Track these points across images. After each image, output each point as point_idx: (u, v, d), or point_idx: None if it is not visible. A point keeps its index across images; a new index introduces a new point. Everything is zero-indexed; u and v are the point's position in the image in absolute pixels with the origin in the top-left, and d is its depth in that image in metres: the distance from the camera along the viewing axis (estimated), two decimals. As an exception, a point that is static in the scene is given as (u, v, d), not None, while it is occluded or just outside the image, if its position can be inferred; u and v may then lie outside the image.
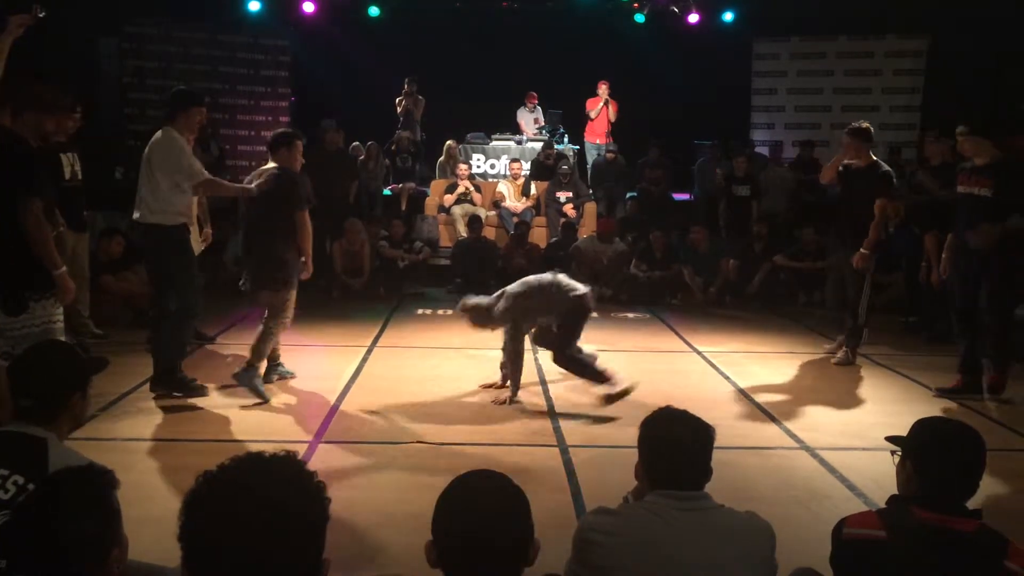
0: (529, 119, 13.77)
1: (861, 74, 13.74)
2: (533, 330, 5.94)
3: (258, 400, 5.53)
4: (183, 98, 5.65)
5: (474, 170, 12.79)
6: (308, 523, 1.42)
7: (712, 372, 6.68)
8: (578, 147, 13.61)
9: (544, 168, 12.17)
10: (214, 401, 5.56)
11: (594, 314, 6.12)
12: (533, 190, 11.76)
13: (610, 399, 5.58)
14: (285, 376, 6.16)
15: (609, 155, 12.64)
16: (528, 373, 6.48)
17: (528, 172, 12.21)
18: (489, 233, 11.15)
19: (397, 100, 13.42)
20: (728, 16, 14.14)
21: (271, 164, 5.87)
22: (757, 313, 9.18)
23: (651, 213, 11.60)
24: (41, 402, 2.57)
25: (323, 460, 4.50)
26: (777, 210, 11.40)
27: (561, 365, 5.76)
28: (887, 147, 11.62)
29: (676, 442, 2.32)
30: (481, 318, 5.78)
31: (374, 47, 13.98)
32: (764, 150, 13.48)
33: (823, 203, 12.06)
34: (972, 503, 2.28)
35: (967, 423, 2.42)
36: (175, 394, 5.56)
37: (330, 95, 13.73)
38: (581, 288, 5.72)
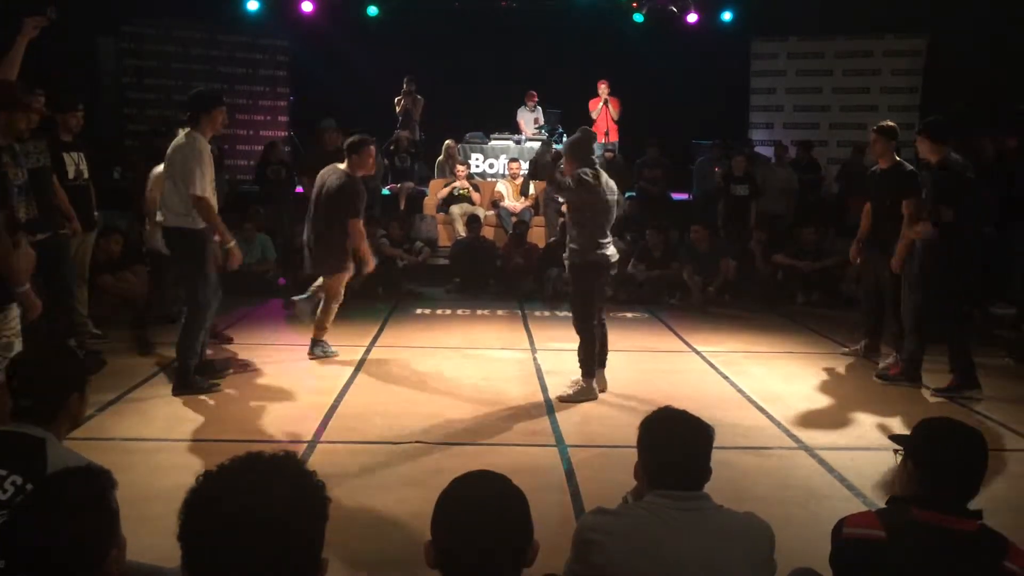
0: (529, 118, 13.78)
1: (859, 74, 13.76)
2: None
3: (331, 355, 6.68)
4: (204, 100, 5.67)
5: (473, 170, 12.80)
6: (307, 523, 1.41)
7: (711, 372, 6.68)
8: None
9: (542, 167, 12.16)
10: (213, 401, 5.55)
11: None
12: (532, 190, 11.77)
13: (563, 399, 5.69)
14: (328, 354, 6.75)
15: (607, 154, 12.62)
16: (527, 373, 6.49)
17: (527, 171, 12.21)
18: (488, 233, 11.16)
19: (396, 100, 13.42)
20: (727, 16, 14.17)
21: (343, 165, 6.37)
22: (756, 313, 9.18)
23: (650, 213, 11.60)
24: (40, 402, 2.57)
25: (322, 460, 4.50)
26: (776, 210, 11.40)
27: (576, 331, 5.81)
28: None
29: (675, 442, 2.32)
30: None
31: (373, 47, 13.99)
32: (763, 149, 13.48)
33: (821, 202, 12.14)
34: (972, 503, 2.28)
35: (969, 424, 2.42)
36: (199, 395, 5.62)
37: (329, 95, 13.71)
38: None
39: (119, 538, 1.92)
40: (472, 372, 6.46)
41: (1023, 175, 8.43)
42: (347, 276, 6.59)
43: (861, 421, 5.48)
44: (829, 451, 4.85)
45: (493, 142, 13.44)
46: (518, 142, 13.35)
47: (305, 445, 4.75)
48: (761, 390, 6.10)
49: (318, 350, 6.75)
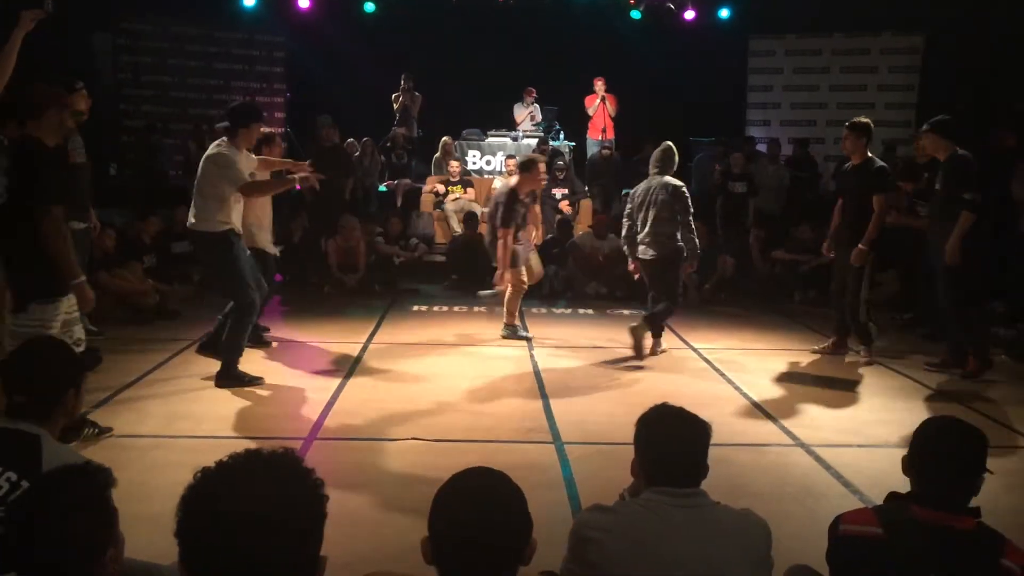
0: (525, 113, 13.74)
1: (857, 71, 13.76)
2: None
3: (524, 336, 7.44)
4: (246, 114, 5.85)
5: (470, 166, 12.79)
6: (305, 520, 1.41)
7: (708, 369, 6.68)
8: (574, 144, 13.60)
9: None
10: (210, 398, 5.54)
11: (590, 310, 6.18)
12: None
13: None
14: (521, 337, 7.46)
15: (605, 151, 12.63)
16: (523, 369, 6.49)
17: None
18: (484, 230, 11.12)
19: (394, 96, 13.40)
20: (724, 13, 14.15)
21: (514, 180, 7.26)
22: (753, 310, 9.18)
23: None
24: (35, 398, 2.56)
25: (319, 457, 4.49)
26: (773, 207, 11.41)
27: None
28: (882, 144, 11.64)
29: (672, 439, 2.32)
30: None
31: (369, 43, 13.95)
32: (759, 147, 13.48)
33: (819, 199, 12.13)
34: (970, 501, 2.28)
35: (970, 423, 2.42)
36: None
37: (325, 91, 13.70)
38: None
39: (117, 536, 1.91)
40: (469, 369, 6.46)
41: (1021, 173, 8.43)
42: (523, 268, 7.45)
43: (858, 418, 5.49)
44: (826, 448, 4.85)
45: (490, 139, 13.42)
46: (515, 139, 13.33)
47: (302, 442, 4.74)
48: (758, 387, 6.10)
49: (508, 331, 7.50)
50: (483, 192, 11.80)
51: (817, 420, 5.42)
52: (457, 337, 7.61)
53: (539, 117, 13.61)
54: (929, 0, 12.62)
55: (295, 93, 14.27)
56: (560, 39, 14.37)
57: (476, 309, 8.99)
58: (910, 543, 2.18)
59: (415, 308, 9.02)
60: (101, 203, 7.53)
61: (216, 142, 5.84)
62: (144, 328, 7.44)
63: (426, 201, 11.85)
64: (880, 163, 6.77)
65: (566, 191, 11.49)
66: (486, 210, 11.43)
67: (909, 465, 2.37)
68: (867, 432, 5.18)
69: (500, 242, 7.13)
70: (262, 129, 6.12)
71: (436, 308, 9.04)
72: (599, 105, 13.25)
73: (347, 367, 6.39)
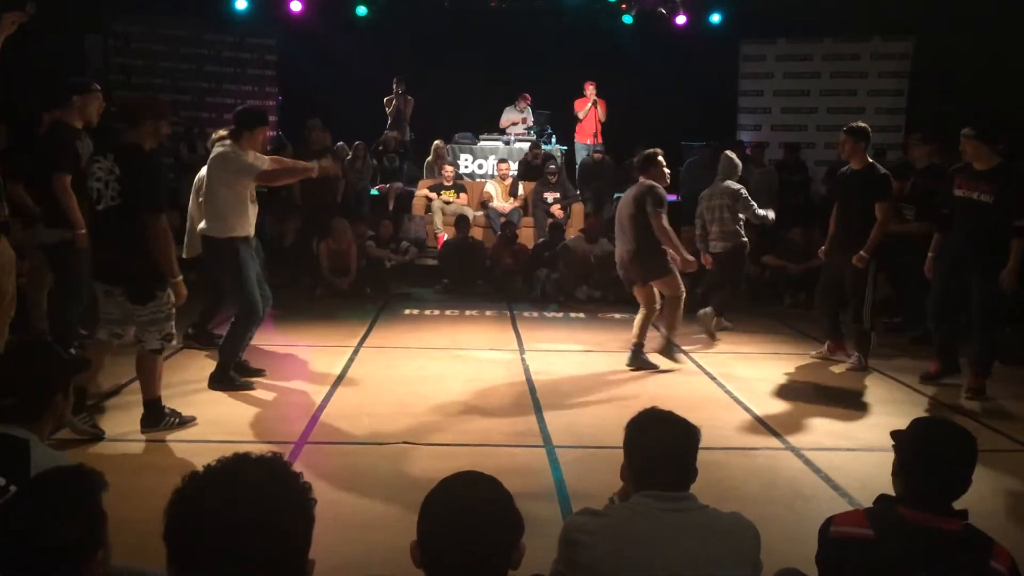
0: (515, 116, 13.74)
1: (847, 76, 13.80)
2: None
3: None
4: (251, 119, 5.86)
5: (462, 170, 12.79)
6: (293, 524, 1.41)
7: (698, 373, 6.69)
8: (566, 148, 13.62)
9: (531, 168, 12.17)
10: (201, 401, 5.52)
11: (581, 314, 6.19)
12: (521, 190, 11.77)
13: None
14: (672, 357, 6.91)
15: (596, 155, 12.64)
16: (514, 373, 6.49)
17: (516, 172, 12.21)
18: (477, 233, 11.15)
19: (386, 99, 13.40)
20: (715, 18, 14.19)
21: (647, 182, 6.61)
22: (743, 314, 9.19)
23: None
24: (25, 402, 2.55)
25: (309, 461, 4.49)
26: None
27: None
28: (872, 149, 11.67)
29: (661, 443, 2.32)
30: None
31: (361, 46, 13.95)
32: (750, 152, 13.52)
33: (809, 204, 12.17)
34: (957, 503, 2.29)
35: (959, 424, 2.43)
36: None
37: (317, 94, 13.66)
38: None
39: (106, 540, 1.90)
40: (460, 373, 6.45)
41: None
42: (677, 272, 6.76)
43: (847, 421, 5.51)
44: (815, 451, 4.86)
45: (482, 143, 13.44)
46: (507, 143, 13.34)
47: (292, 446, 4.73)
48: (748, 391, 6.12)
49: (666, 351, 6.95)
50: (475, 196, 11.81)
51: (806, 423, 5.43)
52: (449, 341, 7.60)
53: (531, 121, 13.63)
54: (919, 5, 12.68)
55: (287, 96, 14.24)
56: (552, 43, 14.40)
57: (467, 313, 8.98)
58: (898, 544, 2.18)
59: (407, 312, 9.01)
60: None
61: (217, 143, 5.82)
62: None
63: (417, 205, 11.85)
64: (883, 170, 6.65)
65: (558, 195, 11.49)
66: (479, 213, 11.57)
67: (897, 466, 2.38)
68: (857, 435, 5.19)
69: (670, 231, 6.62)
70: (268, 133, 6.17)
71: (428, 312, 9.03)
72: (590, 109, 13.28)
73: (338, 371, 6.38)
